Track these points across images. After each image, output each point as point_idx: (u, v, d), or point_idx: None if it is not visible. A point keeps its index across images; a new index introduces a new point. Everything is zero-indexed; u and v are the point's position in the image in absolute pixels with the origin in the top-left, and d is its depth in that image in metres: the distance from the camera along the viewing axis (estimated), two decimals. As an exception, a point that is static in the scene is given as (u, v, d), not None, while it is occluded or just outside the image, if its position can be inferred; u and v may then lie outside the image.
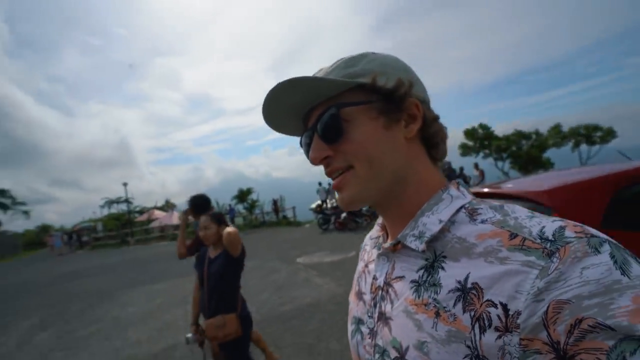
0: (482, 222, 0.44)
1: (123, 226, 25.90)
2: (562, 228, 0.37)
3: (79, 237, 24.49)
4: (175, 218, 25.05)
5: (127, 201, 35.36)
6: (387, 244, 0.52)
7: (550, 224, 0.38)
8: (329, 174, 0.52)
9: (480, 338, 0.36)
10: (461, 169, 13.35)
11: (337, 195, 0.53)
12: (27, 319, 6.43)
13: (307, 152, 0.56)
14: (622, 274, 0.31)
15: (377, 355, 0.50)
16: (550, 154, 22.46)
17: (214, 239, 2.30)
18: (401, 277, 0.49)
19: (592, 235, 0.35)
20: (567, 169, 3.02)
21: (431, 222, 0.47)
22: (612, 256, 0.33)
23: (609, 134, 22.34)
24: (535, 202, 2.00)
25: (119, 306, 6.33)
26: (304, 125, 0.56)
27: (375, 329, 0.51)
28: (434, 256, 0.45)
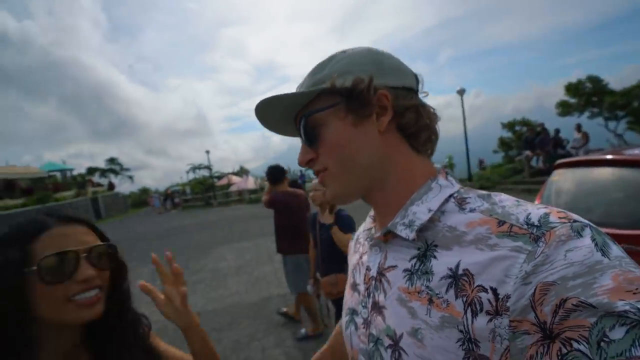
0: (471, 210, 0.45)
1: (206, 190, 28.89)
2: (546, 214, 0.39)
3: (172, 199, 28.12)
4: (250, 183, 27.00)
5: (208, 167, 39.26)
6: (378, 234, 0.54)
7: (535, 211, 0.40)
8: (315, 174, 0.56)
9: (472, 322, 0.38)
10: (556, 131, 11.48)
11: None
12: (146, 266, 7.62)
13: None
14: (602, 255, 0.33)
15: (371, 345, 0.51)
16: None
17: (320, 200, 2.42)
18: (394, 267, 0.50)
19: (575, 221, 0.37)
20: None
21: (420, 210, 0.48)
22: (593, 239, 0.35)
23: None
24: None
25: (214, 260, 7.08)
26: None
27: (369, 318, 0.52)
28: (426, 245, 0.46)
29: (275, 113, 0.55)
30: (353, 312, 0.58)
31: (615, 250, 0.35)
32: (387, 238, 0.53)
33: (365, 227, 0.67)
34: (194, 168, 40.99)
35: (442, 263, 0.43)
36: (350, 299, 0.61)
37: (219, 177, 33.35)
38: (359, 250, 0.64)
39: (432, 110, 0.54)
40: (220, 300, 4.71)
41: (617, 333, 0.29)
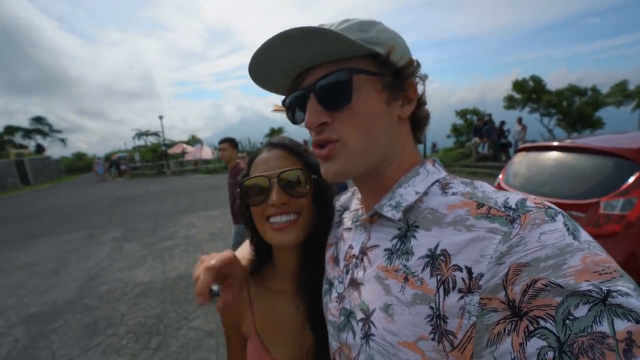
0: (453, 194, 0.46)
1: (159, 158, 27.02)
2: (524, 199, 0.40)
3: (118, 166, 25.92)
4: (205, 152, 25.81)
5: (157, 134, 36.45)
6: (365, 216, 0.54)
7: (514, 196, 0.42)
8: (318, 141, 0.50)
9: (443, 299, 0.39)
10: (502, 122, 12.83)
11: (320, 166, 0.52)
12: (108, 232, 7.20)
13: (292, 114, 0.55)
14: (573, 239, 0.35)
15: (342, 318, 0.53)
16: (605, 113, 20.57)
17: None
18: (375, 246, 0.51)
19: (549, 207, 0.39)
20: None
21: (407, 193, 0.49)
22: (565, 224, 0.36)
23: None
24: (625, 157, 2.24)
25: (184, 227, 6.93)
26: (293, 84, 0.53)
27: (343, 293, 0.55)
28: (407, 226, 0.48)
29: (303, 49, 0.45)
30: (330, 283, 0.60)
31: (585, 234, 0.36)
32: (372, 219, 0.54)
33: (352, 207, 0.66)
34: (141, 134, 37.82)
35: (421, 244, 0.45)
36: (330, 271, 0.62)
37: (169, 145, 31.25)
38: (344, 225, 0.64)
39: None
40: (201, 264, 4.76)
41: (581, 311, 0.30)
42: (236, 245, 3.61)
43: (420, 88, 0.53)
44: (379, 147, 0.50)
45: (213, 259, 0.59)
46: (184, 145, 30.98)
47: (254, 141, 23.13)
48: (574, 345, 0.29)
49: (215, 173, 19.94)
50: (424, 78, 0.53)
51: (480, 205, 0.42)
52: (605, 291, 0.30)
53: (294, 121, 0.56)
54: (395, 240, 0.49)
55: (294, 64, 0.49)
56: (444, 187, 0.49)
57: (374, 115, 0.48)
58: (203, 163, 23.85)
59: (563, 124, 20.31)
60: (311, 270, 0.67)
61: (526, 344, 0.31)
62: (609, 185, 2.27)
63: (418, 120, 0.55)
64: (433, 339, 0.39)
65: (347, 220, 0.65)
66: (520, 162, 3.33)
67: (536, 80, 20.26)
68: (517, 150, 3.55)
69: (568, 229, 0.36)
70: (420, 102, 0.53)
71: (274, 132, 23.39)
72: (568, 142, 2.90)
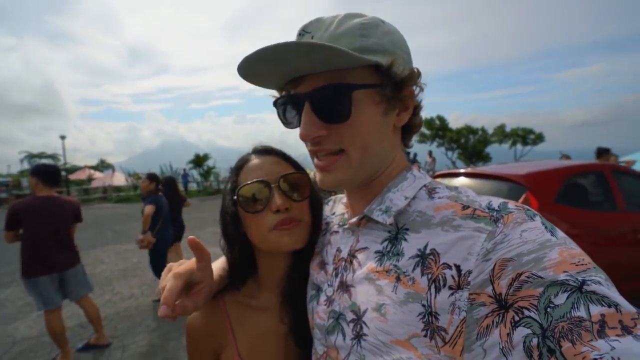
0: (439, 197, 0.49)
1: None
2: (505, 202, 0.44)
3: (-4, 193, 21.09)
4: (117, 179, 22.94)
5: (52, 157, 31.11)
6: (354, 220, 0.55)
7: (496, 200, 0.45)
8: (315, 152, 0.51)
9: (435, 297, 0.41)
10: (414, 155, 14.63)
11: (317, 174, 0.53)
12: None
13: (283, 115, 0.54)
14: (551, 235, 0.38)
15: (330, 320, 0.53)
16: (490, 149, 25.99)
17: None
18: (365, 249, 0.52)
19: (528, 209, 0.43)
20: (529, 161, 4.21)
21: (397, 197, 0.51)
22: (543, 223, 0.40)
23: (539, 138, 27.13)
24: (515, 182, 2.83)
25: (89, 265, 5.84)
26: (290, 87, 0.52)
27: (333, 296, 0.55)
28: (397, 229, 0.49)
29: (301, 59, 0.44)
30: (318, 288, 0.60)
31: (560, 232, 0.39)
32: (360, 223, 0.55)
33: (337, 212, 0.67)
34: (33, 156, 31.90)
35: (412, 245, 0.46)
36: (316, 276, 0.61)
37: (70, 170, 26.95)
38: (330, 230, 0.65)
39: None
40: (111, 306, 4.05)
41: (560, 299, 0.32)
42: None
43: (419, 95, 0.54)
44: (376, 158, 0.51)
45: (182, 265, 0.53)
46: (91, 171, 27.10)
47: (175, 167, 21.48)
48: (555, 330, 0.31)
49: (129, 201, 17.73)
50: (423, 87, 0.53)
51: (465, 207, 0.45)
52: (581, 280, 0.32)
53: (285, 121, 0.54)
54: (385, 243, 0.49)
55: (289, 70, 0.47)
56: (431, 191, 0.51)
57: (372, 127, 0.48)
58: (114, 190, 21.02)
59: (462, 157, 24.43)
60: (298, 279, 0.65)
61: (513, 334, 0.33)
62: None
63: (411, 127, 0.55)
64: (425, 336, 0.40)
65: (333, 224, 0.64)
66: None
67: (441, 119, 24.50)
68: (434, 176, 4.07)
69: (546, 227, 0.39)
70: (417, 109, 0.54)
71: (199, 158, 22.10)
72: (472, 170, 3.45)
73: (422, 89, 0.53)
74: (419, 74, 0.51)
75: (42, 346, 3.19)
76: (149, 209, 3.88)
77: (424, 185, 0.52)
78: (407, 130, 0.55)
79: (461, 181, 3.52)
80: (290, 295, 0.65)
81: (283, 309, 0.65)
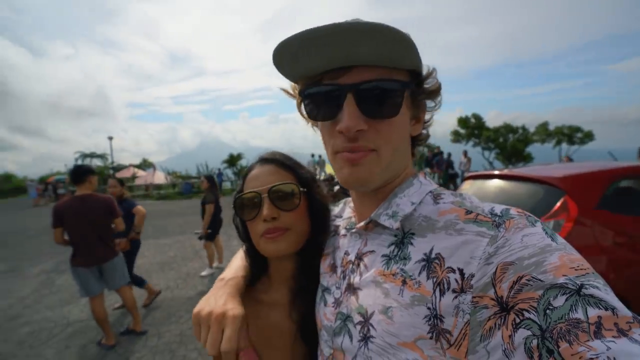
0: (444, 203, 0.51)
1: (104, 182, 24.90)
2: (507, 208, 0.45)
3: (55, 189, 23.32)
4: (157, 177, 24.36)
5: (102, 157, 33.75)
6: (361, 224, 0.56)
7: (498, 206, 0.46)
8: (351, 148, 0.48)
9: (440, 300, 0.41)
10: (449, 154, 14.01)
11: (342, 171, 0.50)
12: (35, 265, 6.32)
13: (312, 107, 0.51)
14: (552, 240, 0.39)
15: (338, 322, 0.54)
16: (532, 149, 23.94)
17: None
18: (372, 252, 0.54)
19: (529, 215, 0.44)
20: (574, 162, 3.79)
21: (404, 203, 0.52)
22: (544, 229, 0.41)
23: (587, 136, 24.46)
24: (552, 185, 2.60)
25: (131, 256, 6.31)
26: (326, 78, 0.48)
27: (340, 298, 0.56)
28: (403, 233, 0.51)
29: (362, 45, 0.42)
30: (326, 290, 0.61)
31: (560, 238, 0.40)
32: (368, 227, 0.56)
33: (345, 215, 0.69)
34: (85, 156, 34.82)
35: (418, 249, 0.47)
36: (327, 278, 0.63)
37: (117, 169, 29.06)
38: (339, 233, 0.66)
39: None
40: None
41: (559, 301, 0.33)
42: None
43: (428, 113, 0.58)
44: (401, 161, 0.53)
45: (227, 327, 0.55)
46: (135, 169, 29.02)
47: (211, 167, 22.46)
48: (554, 331, 0.32)
49: (169, 199, 18.80)
50: (439, 103, 0.57)
51: (468, 212, 0.46)
52: (580, 284, 0.33)
53: (311, 114, 0.52)
54: (392, 247, 0.51)
55: (337, 57, 0.44)
56: (436, 197, 0.53)
57: (404, 130, 0.51)
58: (155, 188, 22.41)
59: (501, 157, 22.97)
60: (306, 280, 0.68)
61: (514, 335, 0.34)
62: (541, 209, 2.56)
63: (420, 139, 0.59)
64: (431, 338, 0.41)
65: (341, 228, 0.67)
66: (468, 189, 3.65)
67: (477, 117, 23.09)
68: (465, 179, 3.90)
69: (546, 233, 0.40)
70: (427, 123, 0.58)
71: (232, 158, 22.95)
72: (506, 172, 3.26)
73: (439, 106, 0.57)
74: (440, 89, 0.55)
75: (90, 329, 3.52)
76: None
77: (430, 192, 0.54)
78: (416, 142, 0.59)
79: (494, 184, 3.35)
80: (297, 294, 0.68)
81: (291, 306, 0.68)
